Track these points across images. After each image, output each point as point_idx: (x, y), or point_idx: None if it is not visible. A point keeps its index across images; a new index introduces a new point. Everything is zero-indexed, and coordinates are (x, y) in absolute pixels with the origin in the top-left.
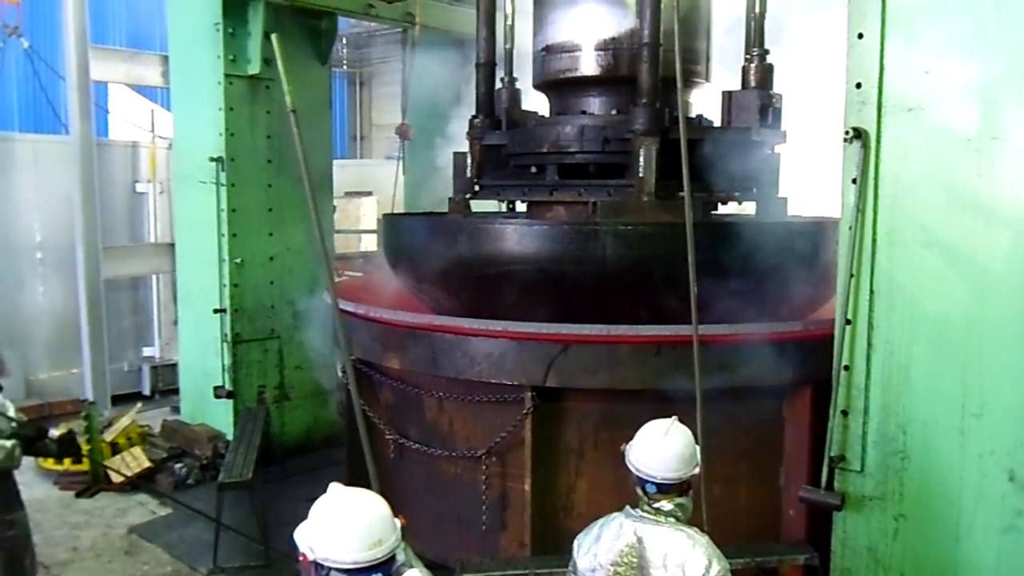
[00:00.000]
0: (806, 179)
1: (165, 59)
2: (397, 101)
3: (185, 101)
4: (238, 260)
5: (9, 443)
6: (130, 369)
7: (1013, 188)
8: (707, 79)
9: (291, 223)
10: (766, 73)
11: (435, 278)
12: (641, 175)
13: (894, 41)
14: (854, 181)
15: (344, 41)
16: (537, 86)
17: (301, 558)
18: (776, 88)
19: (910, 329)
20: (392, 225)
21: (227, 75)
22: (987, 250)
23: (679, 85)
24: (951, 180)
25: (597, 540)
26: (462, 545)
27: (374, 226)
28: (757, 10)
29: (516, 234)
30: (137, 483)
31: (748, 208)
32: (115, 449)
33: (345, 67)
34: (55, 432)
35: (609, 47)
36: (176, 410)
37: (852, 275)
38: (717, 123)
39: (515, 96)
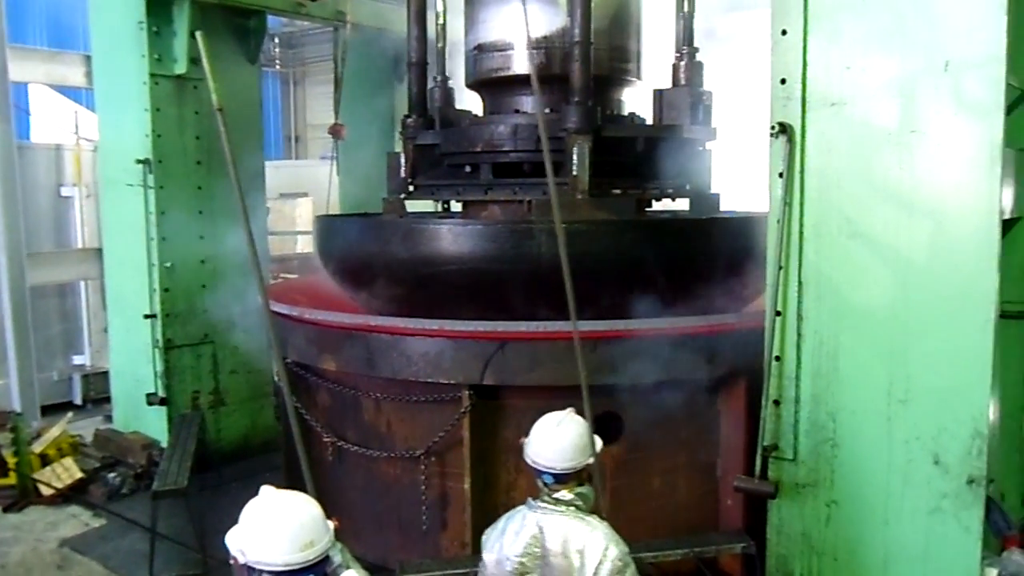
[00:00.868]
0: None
1: (88, 59)
2: (331, 100)
3: (110, 102)
4: (168, 264)
5: None
6: (60, 378)
7: (932, 180)
8: (638, 77)
9: (223, 225)
10: (696, 71)
11: (370, 279)
12: (575, 173)
13: (816, 37)
14: (781, 175)
15: (276, 40)
16: (470, 85)
17: (233, 561)
18: (706, 85)
19: (837, 319)
20: (325, 227)
21: (152, 75)
22: (909, 241)
23: None
24: (873, 173)
25: (503, 534)
26: (403, 546)
27: (310, 227)
28: (686, 9)
29: (451, 234)
30: (69, 495)
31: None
32: (45, 461)
33: (278, 67)
34: None
35: (541, 46)
36: (109, 419)
37: (781, 267)
38: (650, 121)
39: (448, 95)
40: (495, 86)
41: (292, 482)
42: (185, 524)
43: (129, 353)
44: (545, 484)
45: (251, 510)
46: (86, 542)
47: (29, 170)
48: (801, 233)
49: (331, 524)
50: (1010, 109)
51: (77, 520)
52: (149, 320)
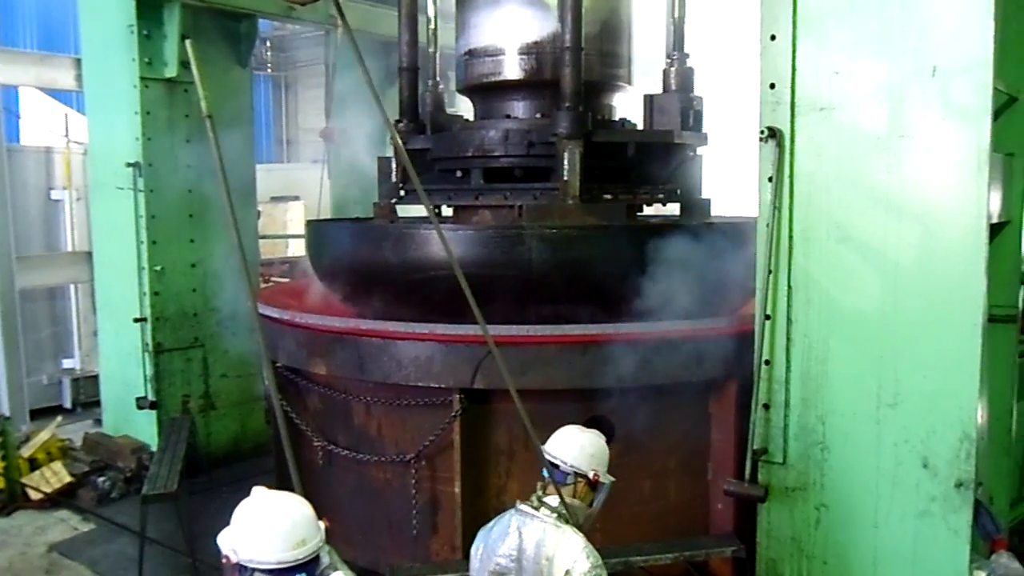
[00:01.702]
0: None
1: (78, 62)
2: (322, 104)
3: (100, 105)
4: (158, 268)
5: None
6: (50, 382)
7: (920, 184)
8: (629, 82)
9: (213, 229)
10: (687, 76)
11: (361, 284)
12: (566, 178)
13: (805, 42)
14: (770, 179)
15: (268, 44)
16: (461, 90)
17: (224, 561)
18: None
19: (827, 323)
20: (316, 231)
21: (143, 78)
22: (897, 245)
23: None
24: (862, 177)
25: (489, 536)
26: (393, 551)
27: (302, 231)
28: (676, 14)
29: None
30: (58, 499)
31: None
32: (34, 465)
33: (270, 70)
34: None
35: (532, 51)
36: (98, 423)
37: (770, 271)
38: (641, 126)
39: (439, 100)
40: (486, 91)
41: (283, 486)
42: (175, 528)
43: (119, 357)
44: (543, 482)
45: (243, 510)
46: (75, 547)
47: (19, 173)
48: (790, 237)
49: (322, 524)
50: (997, 114)
51: (66, 524)
52: (139, 324)
